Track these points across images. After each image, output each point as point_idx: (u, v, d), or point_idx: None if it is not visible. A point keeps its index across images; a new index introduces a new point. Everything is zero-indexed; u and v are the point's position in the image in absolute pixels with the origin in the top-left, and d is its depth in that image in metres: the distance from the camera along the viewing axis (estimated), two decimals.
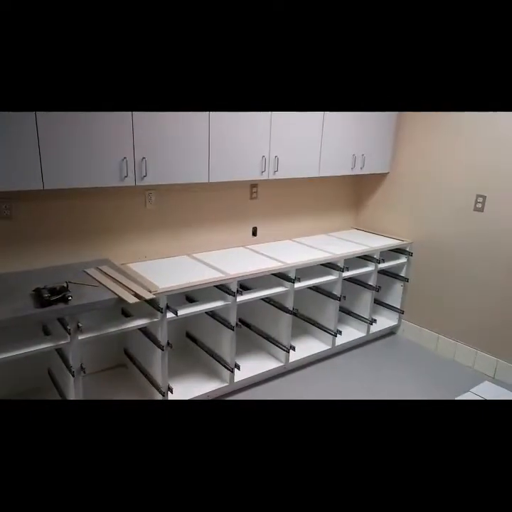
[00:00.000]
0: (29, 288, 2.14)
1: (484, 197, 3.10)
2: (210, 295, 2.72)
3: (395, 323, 3.80)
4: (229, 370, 2.81)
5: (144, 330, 2.53)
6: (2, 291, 2.17)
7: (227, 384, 2.85)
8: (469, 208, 3.20)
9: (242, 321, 3.22)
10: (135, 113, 2.33)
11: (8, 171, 2.06)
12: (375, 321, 3.63)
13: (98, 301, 2.12)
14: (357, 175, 3.77)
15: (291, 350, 3.11)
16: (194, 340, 3.12)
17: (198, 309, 2.62)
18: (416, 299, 3.66)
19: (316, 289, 3.28)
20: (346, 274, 3.26)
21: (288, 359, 3.13)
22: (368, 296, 3.54)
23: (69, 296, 2.05)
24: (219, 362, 2.85)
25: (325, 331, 3.34)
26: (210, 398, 2.80)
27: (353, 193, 4.01)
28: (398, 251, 3.63)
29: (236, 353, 2.87)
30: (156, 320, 2.43)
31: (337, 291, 3.26)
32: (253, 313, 3.26)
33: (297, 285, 3.00)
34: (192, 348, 3.16)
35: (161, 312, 2.41)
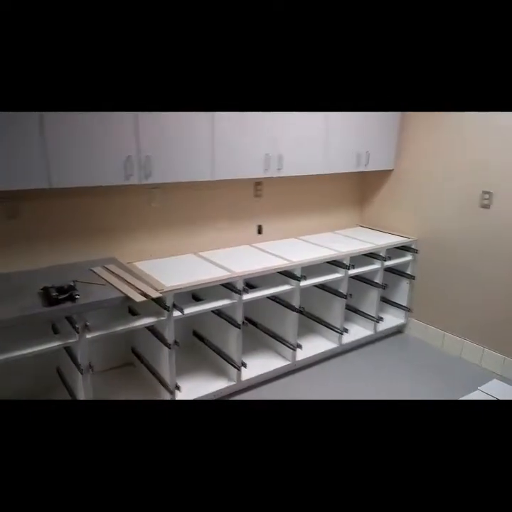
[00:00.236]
0: (37, 287, 2.16)
1: (490, 193, 3.08)
2: (217, 293, 2.72)
3: (402, 321, 3.79)
4: (236, 368, 2.82)
5: (151, 328, 2.54)
6: (10, 290, 2.19)
7: (234, 382, 2.85)
8: (475, 205, 3.18)
9: (248, 320, 3.23)
10: (139, 112, 2.34)
11: (14, 170, 2.07)
12: (381, 319, 3.62)
13: (105, 300, 2.13)
14: (361, 172, 3.77)
15: (297, 349, 3.11)
16: (201, 338, 3.12)
17: (205, 308, 2.63)
18: (422, 296, 3.65)
19: (322, 287, 3.27)
20: (352, 271, 3.26)
21: (295, 357, 3.13)
22: (374, 294, 3.53)
23: (76, 295, 2.07)
24: (226, 360, 2.85)
25: (331, 329, 3.34)
26: (216, 398, 2.80)
27: (358, 190, 4.00)
28: (404, 248, 3.62)
29: (243, 351, 2.88)
30: (163, 318, 2.44)
31: (343, 289, 3.25)
32: (259, 312, 3.26)
33: (303, 283, 3.00)
34: (199, 346, 3.17)
35: (168, 311, 2.42)
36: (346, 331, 3.36)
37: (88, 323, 2.17)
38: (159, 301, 2.39)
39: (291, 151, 3.02)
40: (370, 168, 3.52)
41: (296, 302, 3.01)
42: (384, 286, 3.50)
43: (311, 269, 3.06)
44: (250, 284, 2.93)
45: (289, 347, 3.08)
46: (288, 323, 3.08)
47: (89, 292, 2.17)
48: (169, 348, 2.48)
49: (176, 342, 2.50)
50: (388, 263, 3.48)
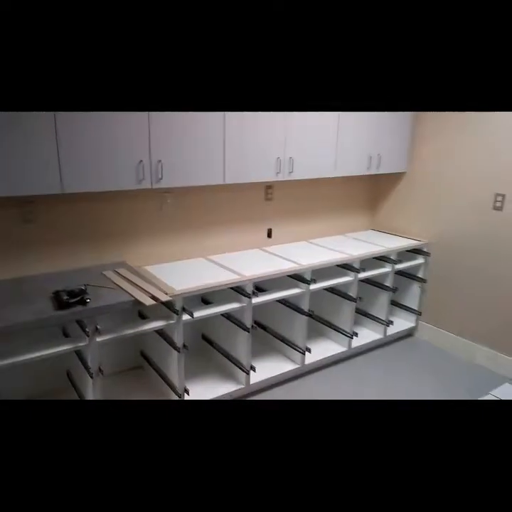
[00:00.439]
0: (49, 290, 2.18)
1: (503, 196, 3.04)
2: (226, 297, 2.72)
3: (413, 324, 3.75)
4: (245, 372, 2.81)
5: (160, 332, 2.55)
6: (23, 293, 2.21)
7: (243, 386, 2.85)
8: (488, 207, 3.14)
9: (257, 323, 3.21)
10: (151, 116, 2.35)
11: (29, 175, 2.10)
12: (391, 322, 3.58)
13: (115, 304, 2.14)
14: (373, 175, 3.74)
15: (306, 352, 3.09)
16: (210, 342, 3.13)
17: (214, 311, 2.63)
18: (433, 299, 3.61)
19: (331, 290, 3.25)
20: (362, 275, 3.23)
21: (304, 361, 3.11)
22: (384, 298, 3.51)
23: (87, 299, 2.08)
24: (235, 364, 2.85)
25: (341, 332, 3.32)
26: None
27: (370, 193, 3.97)
28: (415, 251, 3.58)
29: (252, 354, 2.87)
30: (172, 322, 2.44)
31: (353, 293, 3.23)
32: (268, 315, 3.26)
33: (313, 286, 2.99)
34: (208, 349, 3.17)
35: (177, 314, 2.43)
36: (356, 334, 3.33)
37: (98, 327, 2.18)
38: (169, 305, 2.39)
39: (302, 154, 3.01)
40: (382, 171, 3.49)
41: (305, 306, 3.00)
42: (394, 290, 3.47)
43: (320, 273, 3.04)
44: (260, 288, 2.93)
45: (298, 351, 3.07)
46: (297, 327, 3.07)
47: (100, 296, 2.18)
48: (178, 352, 2.49)
49: (185, 345, 2.50)
50: (399, 266, 3.45)
